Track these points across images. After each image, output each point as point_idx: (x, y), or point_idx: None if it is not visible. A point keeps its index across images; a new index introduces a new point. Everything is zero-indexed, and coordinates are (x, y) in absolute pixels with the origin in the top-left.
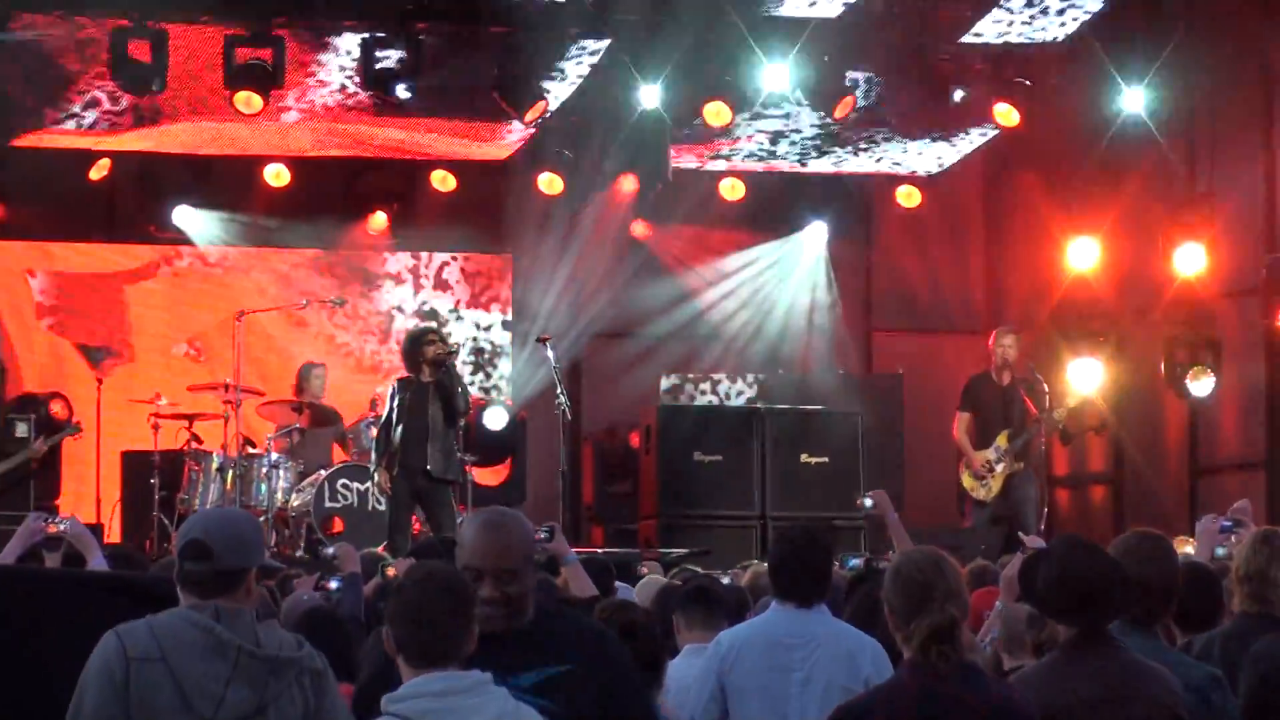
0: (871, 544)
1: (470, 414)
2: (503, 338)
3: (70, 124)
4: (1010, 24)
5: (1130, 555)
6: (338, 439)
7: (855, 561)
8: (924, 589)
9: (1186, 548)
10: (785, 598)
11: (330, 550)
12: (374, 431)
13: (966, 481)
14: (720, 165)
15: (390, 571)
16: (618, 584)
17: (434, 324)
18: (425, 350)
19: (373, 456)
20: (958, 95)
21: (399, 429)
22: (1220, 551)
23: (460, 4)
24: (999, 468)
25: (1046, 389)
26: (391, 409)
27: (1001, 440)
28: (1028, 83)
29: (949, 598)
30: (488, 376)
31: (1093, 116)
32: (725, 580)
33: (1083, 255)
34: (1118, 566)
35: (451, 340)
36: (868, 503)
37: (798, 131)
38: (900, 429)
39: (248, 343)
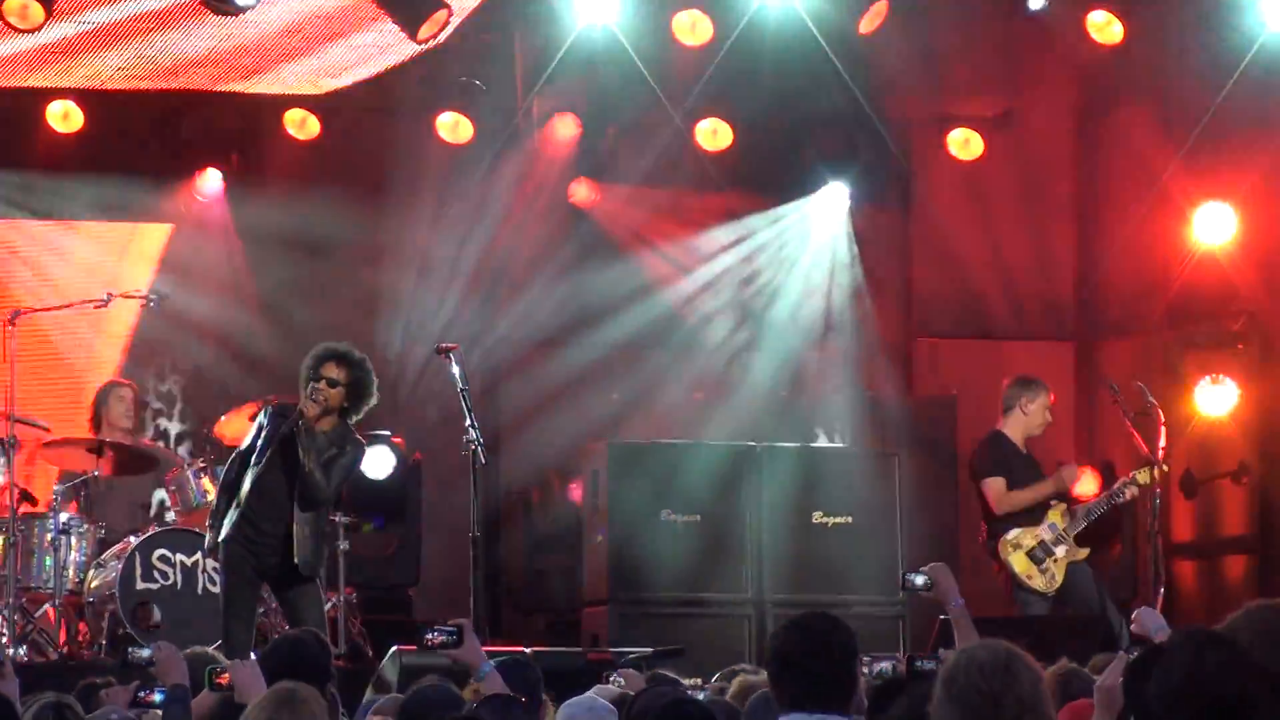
0: (914, 640)
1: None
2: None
3: None
4: None
5: (1263, 639)
6: (155, 490)
7: (885, 665)
8: (989, 702)
9: None
10: (794, 707)
11: (145, 652)
12: (204, 482)
13: (1019, 565)
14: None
15: (223, 679)
16: (574, 701)
17: (354, 351)
18: (310, 383)
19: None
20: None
21: (252, 474)
22: None
23: None
24: (1059, 550)
25: (1163, 419)
26: (254, 445)
27: (1056, 517)
28: None
29: (1024, 715)
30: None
31: (1229, 31)
32: (700, 696)
33: (1214, 227)
34: (1263, 672)
35: (330, 390)
36: (919, 581)
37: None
38: (955, 474)
39: (26, 355)
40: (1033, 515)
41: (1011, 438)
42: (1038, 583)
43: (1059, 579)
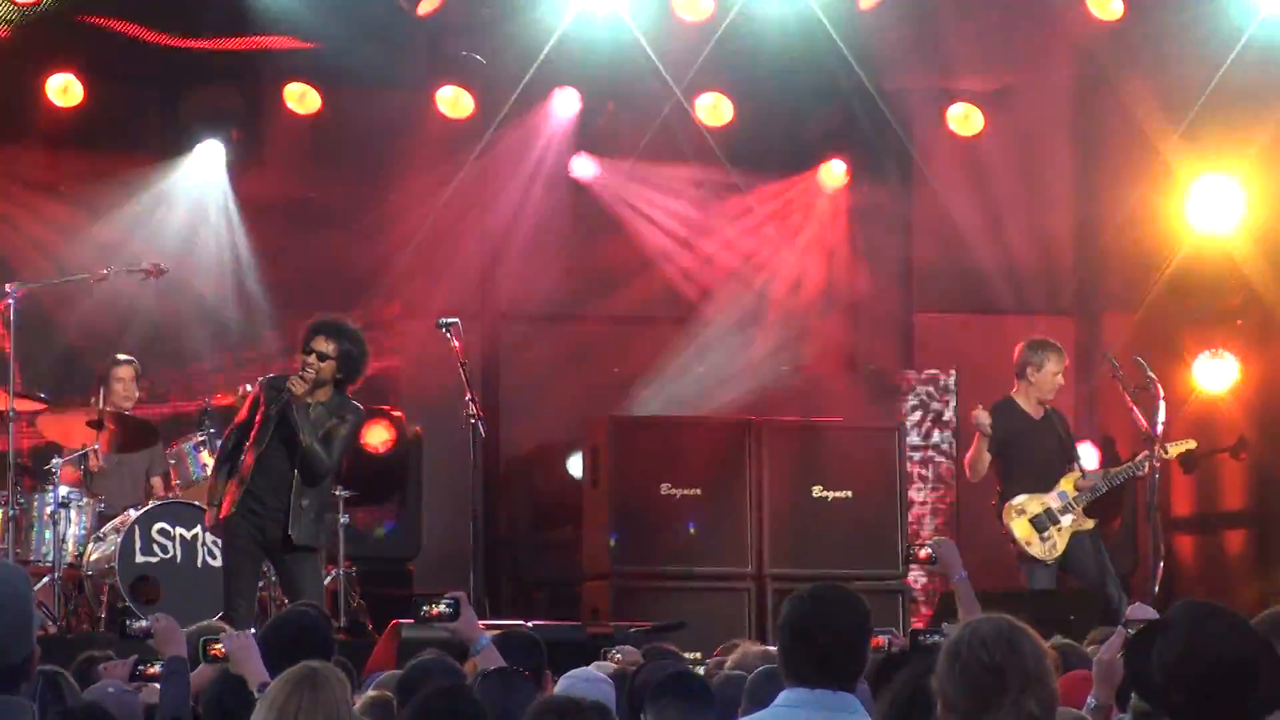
0: (914, 615)
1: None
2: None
3: None
4: None
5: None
6: (153, 467)
7: (883, 639)
8: (993, 676)
9: None
10: (802, 679)
11: (143, 623)
12: (204, 456)
13: (1019, 530)
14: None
15: (216, 650)
16: (573, 673)
17: (344, 323)
18: (303, 355)
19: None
20: None
21: (254, 452)
22: None
23: None
24: (1065, 519)
25: (1163, 394)
26: (251, 419)
27: (1067, 485)
28: None
29: (1028, 687)
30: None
31: (1228, 5)
32: (700, 670)
33: (1213, 203)
34: (1265, 645)
35: (320, 363)
36: (923, 554)
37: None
38: (954, 448)
39: (25, 328)
40: (1044, 482)
41: (1021, 404)
42: (1036, 550)
43: (1060, 548)
